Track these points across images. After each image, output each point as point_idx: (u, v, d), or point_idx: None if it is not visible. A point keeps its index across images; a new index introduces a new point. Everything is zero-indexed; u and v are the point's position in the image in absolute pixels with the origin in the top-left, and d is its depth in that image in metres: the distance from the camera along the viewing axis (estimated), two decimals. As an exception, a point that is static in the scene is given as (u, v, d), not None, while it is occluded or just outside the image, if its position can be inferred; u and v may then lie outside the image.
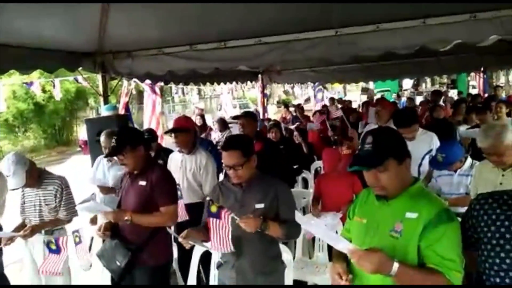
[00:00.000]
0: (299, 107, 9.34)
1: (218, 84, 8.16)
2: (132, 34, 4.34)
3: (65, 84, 12.24)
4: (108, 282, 2.86)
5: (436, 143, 3.41)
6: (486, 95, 8.42)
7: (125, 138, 2.50)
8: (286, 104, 10.12)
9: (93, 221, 3.60)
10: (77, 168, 5.35)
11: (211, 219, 2.11)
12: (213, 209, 2.09)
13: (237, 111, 14.00)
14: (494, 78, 13.15)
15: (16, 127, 17.69)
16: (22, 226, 3.11)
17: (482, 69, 9.82)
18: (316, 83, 12.28)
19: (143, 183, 2.51)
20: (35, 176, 3.09)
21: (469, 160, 3.12)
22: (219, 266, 2.40)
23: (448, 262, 1.50)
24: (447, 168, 3.10)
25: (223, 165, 2.24)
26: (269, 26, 4.04)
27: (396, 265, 1.46)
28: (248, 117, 3.83)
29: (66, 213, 3.12)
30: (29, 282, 3.29)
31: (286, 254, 2.84)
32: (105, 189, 3.57)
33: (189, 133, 3.36)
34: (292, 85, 16.52)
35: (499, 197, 1.57)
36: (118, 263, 2.50)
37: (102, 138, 3.59)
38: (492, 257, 1.49)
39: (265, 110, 8.50)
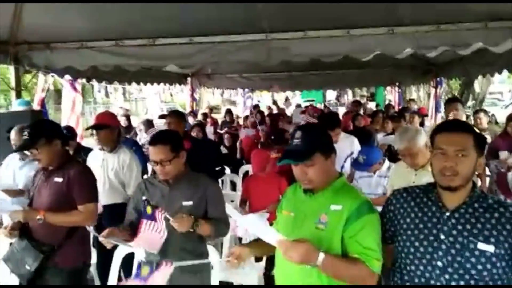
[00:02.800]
0: (229, 112, 9.40)
1: (145, 84, 7.89)
2: (52, 23, 4.03)
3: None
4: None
5: (357, 146, 3.62)
6: (401, 107, 9.19)
7: (39, 130, 2.29)
8: (211, 108, 10.15)
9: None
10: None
11: (145, 220, 2.01)
12: (149, 210, 2.00)
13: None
14: (407, 93, 14.41)
15: None
16: None
17: (397, 84, 10.75)
18: (246, 90, 12.44)
19: (59, 179, 2.32)
20: None
21: (386, 162, 3.36)
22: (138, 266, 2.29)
23: (368, 251, 1.57)
24: (367, 169, 3.30)
25: (150, 160, 2.16)
26: (200, 26, 4.01)
27: (321, 255, 1.51)
28: (175, 116, 3.73)
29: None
30: None
31: (212, 254, 2.81)
32: (13, 192, 3.23)
33: (112, 130, 3.18)
34: (222, 90, 16.59)
35: (412, 191, 1.69)
36: (28, 267, 2.28)
37: (13, 134, 3.26)
38: (408, 246, 1.59)
39: (194, 114, 8.39)
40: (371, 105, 15.65)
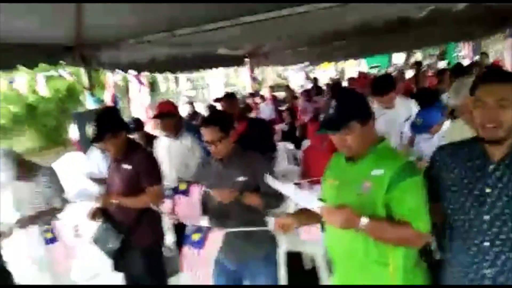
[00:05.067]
0: (288, 89, 9.38)
1: (204, 69, 8.17)
2: (111, 24, 4.34)
3: (55, 81, 12.19)
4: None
5: (415, 109, 3.48)
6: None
7: (105, 125, 2.55)
8: (272, 87, 10.19)
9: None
10: (70, 165, 5.41)
11: (178, 196, 2.20)
12: (182, 186, 2.17)
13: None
14: (483, 47, 13.18)
15: (11, 130, 17.67)
16: (21, 219, 3.16)
17: (470, 39, 9.87)
18: (304, 64, 12.29)
19: (127, 167, 2.58)
20: (25, 170, 3.14)
21: (448, 122, 3.19)
22: None
23: (413, 212, 1.58)
24: (426, 131, 3.17)
25: (203, 140, 2.32)
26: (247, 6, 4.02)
27: (364, 220, 1.54)
28: (228, 98, 3.88)
29: (59, 202, 3.17)
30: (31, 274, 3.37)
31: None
32: (99, 180, 3.62)
33: (173, 118, 3.41)
34: (284, 67, 16.55)
35: (456, 146, 1.65)
36: (111, 245, 2.59)
37: (89, 131, 3.64)
38: (454, 202, 1.57)
39: (256, 95, 8.52)
40: (442, 64, 14.65)
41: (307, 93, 7.61)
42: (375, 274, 1.69)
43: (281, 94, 10.00)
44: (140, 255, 2.63)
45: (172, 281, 3.02)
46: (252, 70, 9.60)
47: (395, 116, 3.33)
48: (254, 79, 9.76)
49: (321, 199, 1.85)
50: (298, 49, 8.96)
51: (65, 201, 3.20)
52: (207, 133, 2.27)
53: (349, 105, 1.73)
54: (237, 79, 20.79)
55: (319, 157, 3.72)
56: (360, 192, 1.68)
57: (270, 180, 1.86)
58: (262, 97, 8.09)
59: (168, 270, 3.03)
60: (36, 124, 17.85)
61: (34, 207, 3.14)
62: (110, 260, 2.87)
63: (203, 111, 6.86)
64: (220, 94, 11.54)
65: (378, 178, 1.65)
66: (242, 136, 3.66)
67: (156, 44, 4.62)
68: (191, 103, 7.45)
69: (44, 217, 3.12)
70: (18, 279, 3.50)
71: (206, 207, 2.42)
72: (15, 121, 17.16)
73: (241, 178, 2.30)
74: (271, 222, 2.66)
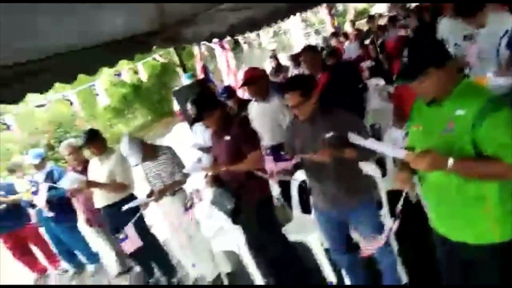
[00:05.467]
0: (371, 18, 8.82)
1: (283, 20, 8.09)
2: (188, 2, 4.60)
3: (151, 63, 13.27)
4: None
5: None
6: None
7: (201, 106, 2.88)
8: (353, 21, 9.61)
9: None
10: (181, 135, 6.06)
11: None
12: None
13: (313, 40, 13.67)
14: None
15: (123, 111, 19.86)
16: (151, 193, 3.77)
17: None
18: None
19: (227, 138, 2.90)
20: (149, 151, 3.68)
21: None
22: (309, 191, 2.74)
23: (504, 147, 1.58)
24: None
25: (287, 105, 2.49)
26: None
27: (451, 160, 1.61)
28: (307, 51, 3.92)
29: (181, 176, 3.68)
30: (170, 237, 4.04)
31: (372, 169, 3.07)
32: (206, 149, 4.06)
33: (259, 83, 3.61)
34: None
35: None
36: (228, 206, 3.00)
37: (189, 107, 4.05)
38: None
39: (338, 34, 8.23)
40: None
41: (393, 20, 7.11)
42: (472, 212, 1.75)
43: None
44: (252, 211, 3.00)
45: (286, 228, 3.36)
46: (330, 7, 9.25)
47: (488, 36, 3.07)
48: (332, 16, 9.41)
49: (408, 147, 1.94)
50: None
51: (186, 175, 3.70)
52: (289, 99, 2.41)
53: (421, 52, 1.73)
54: (316, 18, 20.03)
55: (412, 92, 3.64)
56: (445, 133, 1.72)
57: (353, 138, 1.98)
58: (346, 35, 7.80)
59: (280, 219, 3.39)
60: (143, 101, 19.76)
61: (162, 181, 3.69)
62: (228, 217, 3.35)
63: (287, 62, 6.92)
64: (301, 44, 11.38)
65: (462, 118, 1.66)
66: (327, 86, 3.76)
67: (232, 9, 4.78)
68: (274, 57, 7.56)
69: (170, 189, 3.67)
70: (160, 239, 4.24)
71: (302, 164, 2.64)
72: (125, 102, 19.19)
73: (329, 134, 2.42)
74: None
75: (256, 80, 3.61)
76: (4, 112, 6.33)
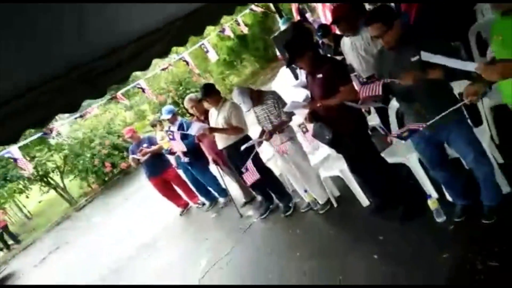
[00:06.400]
0: None
1: None
2: None
3: (250, 15, 13.69)
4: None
5: None
6: None
7: (292, 49, 3.20)
8: None
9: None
10: (285, 78, 6.46)
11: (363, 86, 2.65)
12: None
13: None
14: None
15: (233, 62, 20.93)
16: (262, 132, 4.32)
17: None
18: None
19: (320, 75, 3.20)
20: (256, 97, 4.20)
21: None
22: (401, 114, 2.94)
23: None
24: None
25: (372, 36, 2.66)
26: None
27: None
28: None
29: (286, 115, 4.14)
30: (283, 167, 4.59)
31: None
32: (305, 87, 4.42)
33: (347, 20, 3.74)
34: None
35: None
36: (327, 137, 3.36)
37: (286, 56, 4.40)
38: None
39: None
40: None
41: None
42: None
43: None
44: (350, 139, 3.31)
45: (385, 152, 3.62)
46: None
47: None
48: None
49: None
50: None
51: (291, 114, 4.14)
52: (372, 30, 2.59)
53: None
54: None
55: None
56: None
57: (426, 56, 2.13)
58: None
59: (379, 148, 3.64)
60: (249, 50, 20.49)
61: (270, 122, 4.21)
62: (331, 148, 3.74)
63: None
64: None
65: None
66: (421, 10, 3.71)
67: None
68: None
69: (278, 128, 4.16)
70: (275, 170, 4.83)
71: (392, 91, 2.82)
72: (234, 53, 20.13)
73: (415, 58, 2.55)
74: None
75: (344, 17, 3.74)
76: (136, 78, 7.48)
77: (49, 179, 17.78)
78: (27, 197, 19.02)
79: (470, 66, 1.90)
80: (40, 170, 16.71)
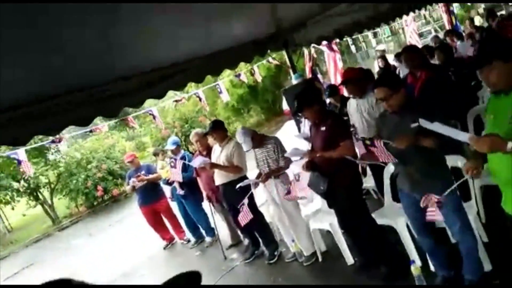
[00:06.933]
0: (491, 14, 8.26)
1: (393, 21, 8.17)
2: (299, 9, 5.14)
3: (266, 65, 14.28)
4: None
5: None
6: None
7: (301, 100, 3.40)
8: (471, 19, 9.00)
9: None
10: (289, 130, 6.70)
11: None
12: (367, 141, 2.76)
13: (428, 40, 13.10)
14: None
15: (240, 109, 21.43)
16: (259, 175, 4.44)
17: None
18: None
19: (323, 128, 3.38)
20: (258, 140, 4.37)
21: None
22: (396, 176, 3.07)
23: None
24: None
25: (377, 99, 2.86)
26: None
27: (510, 143, 1.86)
28: (408, 52, 4.15)
29: (284, 161, 4.28)
30: (274, 214, 4.65)
31: (462, 163, 3.24)
32: (308, 139, 4.58)
33: (355, 82, 4.00)
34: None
35: None
36: (322, 188, 3.47)
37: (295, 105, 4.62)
38: None
39: (454, 31, 7.94)
40: None
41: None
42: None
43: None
44: (343, 193, 3.42)
45: (377, 212, 3.70)
46: (447, 4, 8.93)
47: None
48: (451, 12, 9.05)
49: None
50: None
51: (288, 161, 4.28)
52: (378, 92, 2.80)
53: (490, 46, 2.02)
54: (430, 15, 18.98)
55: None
56: (509, 121, 1.97)
57: (423, 122, 2.30)
58: (460, 35, 7.53)
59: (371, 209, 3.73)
60: (258, 101, 21.08)
61: (268, 166, 4.34)
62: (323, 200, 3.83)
63: (393, 62, 7.02)
64: (415, 38, 11.09)
65: (524, 108, 1.90)
66: (426, 82, 3.96)
67: (338, 15, 5.20)
68: (383, 57, 7.69)
69: (275, 173, 4.29)
70: (266, 217, 4.87)
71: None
72: (242, 101, 20.68)
73: (414, 125, 2.73)
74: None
75: (353, 80, 4.00)
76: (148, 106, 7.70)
77: (39, 194, 17.59)
78: (12, 208, 18.70)
79: (462, 136, 2.05)
80: (31, 183, 16.59)
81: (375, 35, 11.50)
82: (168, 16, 3.30)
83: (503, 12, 9.55)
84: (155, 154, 6.88)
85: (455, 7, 17.59)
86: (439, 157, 2.83)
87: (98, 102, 3.63)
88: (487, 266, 2.98)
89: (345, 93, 4.97)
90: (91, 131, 8.17)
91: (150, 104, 7.84)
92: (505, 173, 2.10)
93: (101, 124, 8.46)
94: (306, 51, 6.44)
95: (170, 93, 5.77)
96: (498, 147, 1.89)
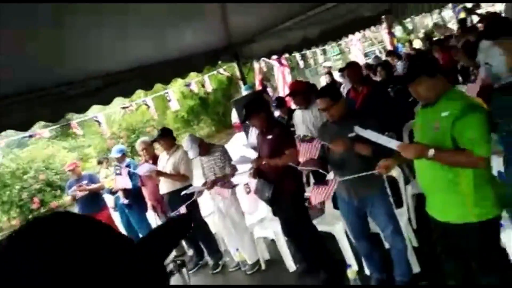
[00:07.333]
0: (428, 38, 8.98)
1: (340, 39, 8.59)
2: (251, 22, 5.28)
3: (217, 77, 14.36)
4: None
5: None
6: None
7: (249, 108, 3.49)
8: (410, 41, 9.73)
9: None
10: (237, 141, 6.77)
11: (303, 143, 2.92)
12: (307, 137, 2.89)
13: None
14: None
15: (190, 121, 21.28)
16: (205, 183, 4.44)
17: None
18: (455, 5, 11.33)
19: (269, 136, 3.48)
20: (205, 147, 4.39)
21: None
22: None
23: (472, 141, 2.01)
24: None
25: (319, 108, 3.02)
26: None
27: (431, 151, 2.05)
28: (350, 67, 4.42)
29: (230, 169, 4.33)
30: (219, 222, 4.66)
31: (397, 173, 3.47)
32: (255, 148, 4.66)
33: (301, 95, 4.18)
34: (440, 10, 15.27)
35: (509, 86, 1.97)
36: (267, 194, 3.55)
37: (243, 112, 4.71)
38: (505, 136, 1.93)
39: (395, 53, 8.51)
40: None
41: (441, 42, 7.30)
42: (452, 191, 2.16)
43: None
44: (288, 200, 3.52)
45: (317, 221, 3.83)
46: (389, 26, 9.54)
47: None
48: (392, 34, 9.67)
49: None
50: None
51: (234, 169, 4.33)
52: (321, 102, 2.95)
53: (417, 63, 2.22)
54: (375, 37, 20.19)
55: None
56: (433, 130, 2.17)
57: (358, 130, 2.46)
58: (400, 56, 8.10)
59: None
60: (208, 113, 21.06)
61: (214, 174, 4.36)
62: (269, 207, 3.91)
63: (340, 78, 7.38)
64: (360, 58, 11.70)
65: (445, 118, 2.11)
66: (367, 97, 4.20)
67: (288, 30, 5.39)
68: (329, 73, 8.05)
69: (220, 181, 4.31)
70: (212, 227, 4.86)
71: (327, 160, 3.12)
72: (193, 113, 20.57)
73: (352, 134, 2.89)
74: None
75: (299, 91, 4.17)
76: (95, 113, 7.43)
77: (-33, 206, 16.25)
78: None
79: (392, 144, 2.23)
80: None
81: (324, 52, 12.00)
82: (117, 24, 3.29)
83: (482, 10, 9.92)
84: (100, 162, 6.64)
85: (398, 30, 18.83)
86: (372, 163, 3.01)
87: (41, 105, 3.51)
88: (416, 268, 3.19)
89: (292, 106, 5.14)
90: (30, 136, 7.72)
91: (95, 111, 7.59)
92: (428, 179, 2.30)
93: (41, 130, 8.02)
94: (256, 65, 6.60)
95: (117, 101, 5.67)
96: (421, 154, 2.08)
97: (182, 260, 0.79)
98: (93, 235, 0.50)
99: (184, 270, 0.76)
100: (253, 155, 4.23)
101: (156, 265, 0.55)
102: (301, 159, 2.97)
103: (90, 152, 22.97)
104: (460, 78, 5.64)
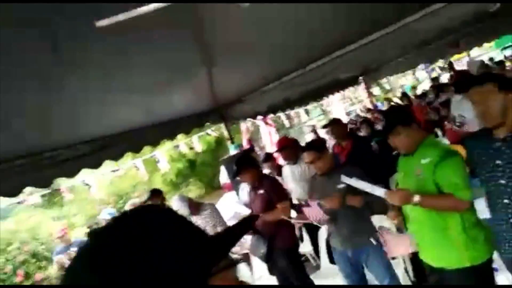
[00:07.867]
0: (404, 96, 9.49)
1: (322, 98, 8.98)
2: (236, 85, 5.54)
3: (205, 139, 14.58)
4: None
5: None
6: None
7: (240, 164, 3.58)
8: (388, 99, 10.27)
9: None
10: (227, 200, 6.78)
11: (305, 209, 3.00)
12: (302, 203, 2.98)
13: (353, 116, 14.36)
14: None
15: (179, 184, 21.19)
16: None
17: None
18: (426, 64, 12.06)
19: (261, 191, 3.55)
20: (195, 207, 4.40)
21: None
22: (329, 235, 3.25)
23: (454, 185, 2.11)
24: None
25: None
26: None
27: (416, 197, 2.14)
28: (334, 124, 4.62)
29: (222, 228, 4.32)
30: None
31: (388, 223, 3.52)
32: (247, 205, 4.70)
33: (290, 150, 4.32)
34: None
35: (481, 134, 2.12)
36: (262, 251, 3.54)
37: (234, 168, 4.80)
38: (484, 180, 2.06)
39: (375, 110, 8.91)
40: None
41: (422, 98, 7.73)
42: (442, 236, 2.22)
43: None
44: (283, 254, 3.51)
45: (315, 275, 3.79)
46: (368, 87, 10.05)
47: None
48: (370, 94, 10.15)
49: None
50: (407, 56, 9.05)
51: (225, 227, 4.33)
52: (307, 156, 3.07)
53: (393, 115, 2.38)
54: (355, 97, 21.14)
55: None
56: (415, 177, 2.27)
57: (344, 179, 2.56)
58: (381, 112, 8.51)
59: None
60: (196, 175, 21.06)
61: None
62: (265, 265, 3.87)
63: (325, 136, 7.64)
64: (342, 116, 12.09)
65: (426, 165, 2.23)
66: (352, 151, 4.35)
67: (272, 90, 5.66)
68: (314, 131, 8.34)
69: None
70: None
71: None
72: (181, 175, 20.55)
73: (341, 186, 2.98)
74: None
75: (288, 146, 4.31)
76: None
77: None
78: None
79: (378, 191, 2.32)
80: None
81: (307, 113, 12.50)
82: (103, 89, 3.42)
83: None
84: (89, 227, 6.56)
85: (376, 90, 19.73)
86: (366, 214, 3.08)
87: (30, 170, 3.54)
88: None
89: (281, 162, 5.26)
90: (19, 203, 7.58)
91: (84, 175, 7.59)
92: (417, 226, 2.37)
93: (28, 197, 7.90)
94: (243, 125, 6.82)
95: (107, 164, 5.71)
96: (407, 200, 2.17)
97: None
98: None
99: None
100: (246, 211, 4.26)
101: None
102: (311, 220, 3.05)
103: (77, 221, 22.38)
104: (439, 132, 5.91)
